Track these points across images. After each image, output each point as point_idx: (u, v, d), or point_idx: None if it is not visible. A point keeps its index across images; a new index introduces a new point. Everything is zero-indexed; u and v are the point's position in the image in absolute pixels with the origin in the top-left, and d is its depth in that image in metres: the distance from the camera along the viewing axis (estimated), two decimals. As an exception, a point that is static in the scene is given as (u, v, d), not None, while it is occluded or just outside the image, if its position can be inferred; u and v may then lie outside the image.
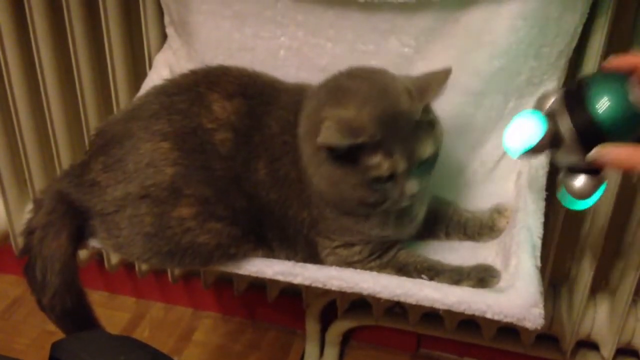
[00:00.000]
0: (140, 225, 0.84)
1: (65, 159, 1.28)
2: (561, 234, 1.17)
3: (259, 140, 0.85)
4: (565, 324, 1.26)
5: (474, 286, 0.83)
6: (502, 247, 0.88)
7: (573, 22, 0.92)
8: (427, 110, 0.80)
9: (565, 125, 0.69)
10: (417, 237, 0.92)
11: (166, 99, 0.87)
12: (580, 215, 1.18)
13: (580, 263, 1.21)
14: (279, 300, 1.44)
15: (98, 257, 1.45)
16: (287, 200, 0.85)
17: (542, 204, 0.87)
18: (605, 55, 0.99)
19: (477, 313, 0.77)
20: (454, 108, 0.95)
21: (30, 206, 0.94)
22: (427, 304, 0.79)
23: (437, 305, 0.79)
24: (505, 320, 0.76)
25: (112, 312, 1.61)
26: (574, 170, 0.73)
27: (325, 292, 1.36)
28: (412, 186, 0.79)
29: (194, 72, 0.91)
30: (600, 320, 1.25)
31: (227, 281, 1.45)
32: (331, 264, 0.87)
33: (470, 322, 1.32)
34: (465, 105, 0.96)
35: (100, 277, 1.61)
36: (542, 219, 0.85)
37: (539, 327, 0.76)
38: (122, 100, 1.20)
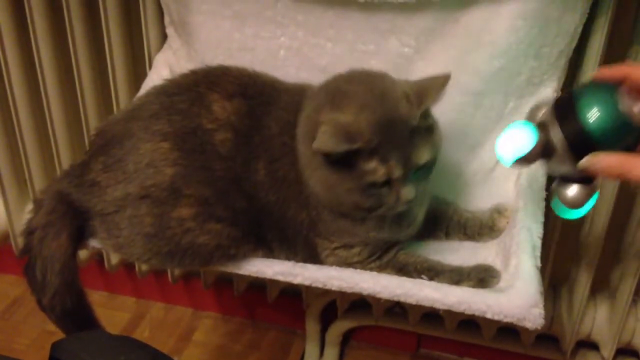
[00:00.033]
0: (140, 225, 0.84)
1: (65, 159, 1.28)
2: (561, 234, 1.17)
3: (258, 140, 0.85)
4: (565, 324, 1.26)
5: (474, 286, 0.83)
6: (502, 247, 0.88)
7: (573, 22, 0.92)
8: (425, 115, 0.80)
9: (557, 135, 0.69)
10: (417, 237, 0.92)
11: (166, 99, 0.87)
12: (580, 215, 1.18)
13: (580, 263, 1.21)
14: (279, 301, 1.44)
15: (98, 257, 1.45)
16: (286, 201, 0.85)
17: (542, 204, 0.87)
18: (605, 55, 0.99)
19: (477, 313, 0.77)
20: (454, 108, 0.95)
21: (30, 206, 0.94)
22: (427, 304, 0.79)
23: (437, 306, 0.79)
24: (505, 320, 0.76)
25: (112, 312, 1.61)
26: (567, 180, 0.73)
27: (325, 292, 1.36)
28: (408, 192, 0.79)
29: (194, 72, 0.91)
30: (600, 320, 1.25)
31: (227, 281, 1.45)
32: (331, 265, 0.87)
33: (470, 322, 1.32)
34: (465, 105, 0.96)
35: (100, 277, 1.61)
36: (542, 219, 0.85)
37: (539, 327, 0.76)
38: (122, 100, 1.20)
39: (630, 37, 1.01)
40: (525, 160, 0.72)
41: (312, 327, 1.48)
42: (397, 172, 0.78)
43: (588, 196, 0.73)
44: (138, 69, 1.20)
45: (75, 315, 0.89)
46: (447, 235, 0.95)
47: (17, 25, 1.18)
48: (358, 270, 0.85)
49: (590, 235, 1.17)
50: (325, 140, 0.75)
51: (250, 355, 1.53)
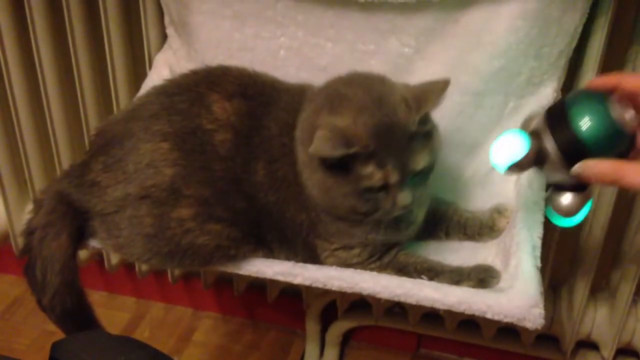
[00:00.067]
0: (140, 225, 0.84)
1: (65, 159, 1.28)
2: (561, 234, 1.17)
3: (258, 141, 0.85)
4: (565, 324, 1.26)
5: (474, 286, 0.82)
6: (502, 247, 0.88)
7: (573, 22, 0.92)
8: (424, 120, 0.79)
9: (550, 143, 0.70)
10: (417, 237, 0.92)
11: (166, 99, 0.87)
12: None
13: (580, 263, 1.21)
14: (279, 301, 1.44)
15: (98, 257, 1.45)
16: (286, 202, 0.85)
17: (542, 204, 0.87)
18: (605, 55, 1.00)
19: (477, 313, 0.77)
20: (454, 108, 0.95)
21: (30, 206, 0.94)
22: (427, 304, 0.79)
23: (437, 306, 0.79)
24: (505, 320, 0.76)
25: (112, 312, 1.61)
26: (561, 188, 0.74)
27: (325, 292, 1.36)
28: (404, 198, 0.79)
29: (194, 72, 0.91)
30: (600, 320, 1.25)
31: (227, 281, 1.45)
32: (331, 266, 0.87)
33: (470, 322, 1.32)
34: (465, 105, 0.96)
35: (100, 277, 1.61)
36: (542, 219, 0.85)
37: (539, 327, 0.76)
38: (122, 100, 1.20)
39: (630, 37, 1.01)
40: (518, 167, 0.72)
41: (312, 327, 1.48)
42: (393, 178, 0.78)
43: (582, 204, 0.73)
44: (138, 69, 1.20)
45: (75, 316, 0.89)
46: (447, 236, 0.95)
47: (17, 25, 1.18)
48: (358, 271, 0.84)
49: (590, 235, 1.17)
50: (322, 145, 0.75)
51: (250, 356, 1.53)
